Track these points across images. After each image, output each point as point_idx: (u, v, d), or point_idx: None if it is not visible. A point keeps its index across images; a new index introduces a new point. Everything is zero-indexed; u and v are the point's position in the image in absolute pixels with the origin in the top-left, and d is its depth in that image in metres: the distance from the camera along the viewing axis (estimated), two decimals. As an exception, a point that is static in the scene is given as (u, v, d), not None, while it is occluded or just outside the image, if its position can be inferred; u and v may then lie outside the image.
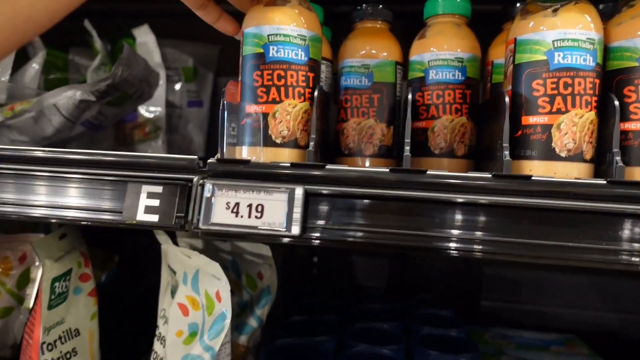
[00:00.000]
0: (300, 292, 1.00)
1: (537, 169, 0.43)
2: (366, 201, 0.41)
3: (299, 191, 0.40)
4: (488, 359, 0.74)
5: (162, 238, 0.66)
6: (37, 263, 0.73)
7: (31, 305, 0.73)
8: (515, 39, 0.46)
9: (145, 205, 0.42)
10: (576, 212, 0.38)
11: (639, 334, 1.00)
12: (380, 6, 0.58)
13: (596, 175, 0.44)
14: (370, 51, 0.56)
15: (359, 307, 0.89)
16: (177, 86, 1.07)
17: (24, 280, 0.73)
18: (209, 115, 1.10)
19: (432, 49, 0.53)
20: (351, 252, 1.13)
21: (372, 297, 0.96)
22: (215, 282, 0.56)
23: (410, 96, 0.46)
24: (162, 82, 0.98)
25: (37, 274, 0.73)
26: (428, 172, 0.41)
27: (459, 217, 0.41)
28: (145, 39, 0.99)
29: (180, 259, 0.62)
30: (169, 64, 1.05)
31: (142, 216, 0.42)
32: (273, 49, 0.46)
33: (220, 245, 0.74)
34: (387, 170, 0.41)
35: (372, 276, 1.14)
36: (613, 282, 1.03)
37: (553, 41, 0.43)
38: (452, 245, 0.39)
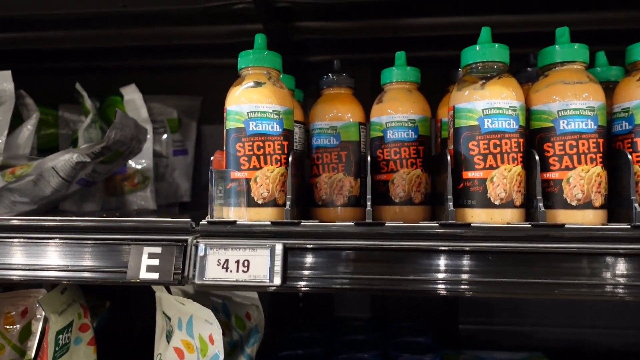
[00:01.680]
0: (288, 327, 1.05)
1: (477, 215, 0.52)
2: (337, 251, 0.49)
3: (278, 247, 0.47)
4: (460, 380, 0.80)
5: (157, 286, 0.72)
6: (38, 316, 0.78)
7: (32, 356, 0.77)
8: (454, 106, 0.55)
9: (147, 265, 0.49)
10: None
11: (603, 347, 1.08)
12: (344, 74, 0.67)
13: (527, 218, 0.52)
14: (337, 114, 0.65)
15: (343, 339, 0.95)
16: (163, 137, 1.14)
17: (26, 333, 0.77)
18: (194, 162, 1.17)
19: (389, 111, 0.62)
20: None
21: (356, 328, 1.02)
22: (208, 326, 0.62)
23: (368, 158, 0.54)
24: (149, 135, 1.05)
25: (38, 327, 0.78)
26: (387, 225, 0.49)
27: (419, 262, 0.48)
28: (132, 96, 1.07)
29: (175, 306, 0.68)
30: (155, 117, 1.13)
31: (144, 275, 0.48)
32: (252, 124, 0.54)
33: (210, 290, 0.80)
34: (352, 224, 0.49)
35: (357, 308, 1.20)
36: (579, 300, 1.11)
37: (482, 109, 0.52)
38: (407, 287, 0.47)
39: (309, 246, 0.48)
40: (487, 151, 0.52)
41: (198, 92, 1.19)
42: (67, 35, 1.04)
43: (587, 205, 0.51)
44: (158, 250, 0.49)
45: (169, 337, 0.70)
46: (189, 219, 0.51)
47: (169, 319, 0.70)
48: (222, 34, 0.99)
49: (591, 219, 0.51)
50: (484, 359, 0.90)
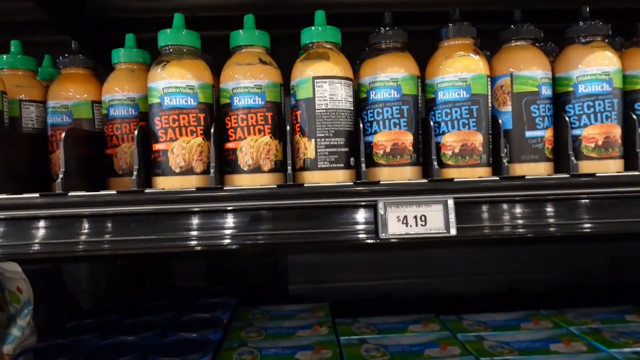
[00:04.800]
0: (110, 298, 1.09)
1: (162, 182, 0.59)
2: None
3: None
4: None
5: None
6: None
7: None
8: (147, 85, 0.61)
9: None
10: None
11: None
12: (80, 56, 0.70)
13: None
14: (74, 94, 0.69)
15: (143, 306, 0.99)
16: None
17: None
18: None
19: (115, 89, 0.67)
20: (169, 255, 1.25)
21: (166, 295, 1.07)
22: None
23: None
24: None
25: None
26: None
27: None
28: None
29: None
30: None
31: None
32: None
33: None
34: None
35: (192, 276, 1.26)
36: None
37: (162, 89, 0.59)
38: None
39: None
40: (167, 125, 0.58)
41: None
42: None
43: (256, 169, 0.60)
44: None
45: None
46: None
47: None
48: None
49: (263, 181, 0.60)
50: (271, 312, 1.01)
